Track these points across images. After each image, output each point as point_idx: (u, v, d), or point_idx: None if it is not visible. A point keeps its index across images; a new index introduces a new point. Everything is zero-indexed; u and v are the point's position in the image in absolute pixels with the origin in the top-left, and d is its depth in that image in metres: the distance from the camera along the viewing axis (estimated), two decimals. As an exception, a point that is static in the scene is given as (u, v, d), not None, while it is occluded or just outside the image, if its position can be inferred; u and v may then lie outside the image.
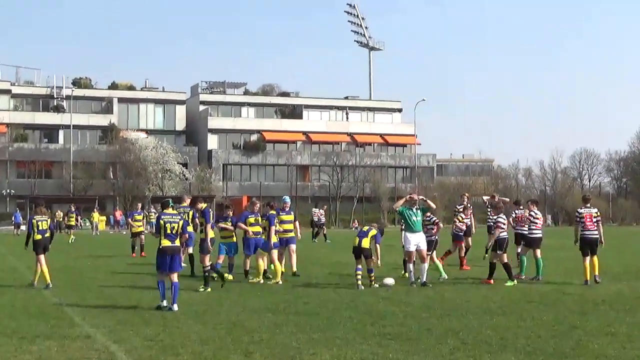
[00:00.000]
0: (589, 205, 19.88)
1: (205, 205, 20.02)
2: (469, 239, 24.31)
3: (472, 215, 24.95)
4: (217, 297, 16.47)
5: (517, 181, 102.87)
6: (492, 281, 18.94)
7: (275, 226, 20.19)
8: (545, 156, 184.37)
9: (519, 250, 21.27)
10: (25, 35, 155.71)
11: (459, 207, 24.65)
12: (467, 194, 25.98)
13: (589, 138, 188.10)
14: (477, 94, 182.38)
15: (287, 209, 21.55)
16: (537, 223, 20.58)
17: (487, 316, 13.52)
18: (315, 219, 45.29)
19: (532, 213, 20.64)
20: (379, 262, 18.70)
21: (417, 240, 18.66)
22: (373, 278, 18.30)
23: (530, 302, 15.50)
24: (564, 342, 10.93)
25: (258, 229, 20.43)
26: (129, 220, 26.84)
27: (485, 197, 26.81)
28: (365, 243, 18.39)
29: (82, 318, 13.41)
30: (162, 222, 14.83)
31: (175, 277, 14.76)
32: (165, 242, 14.74)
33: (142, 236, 29.76)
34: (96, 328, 12.31)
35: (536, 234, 20.49)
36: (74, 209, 55.08)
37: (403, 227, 20.29)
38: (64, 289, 18.18)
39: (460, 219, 23.91)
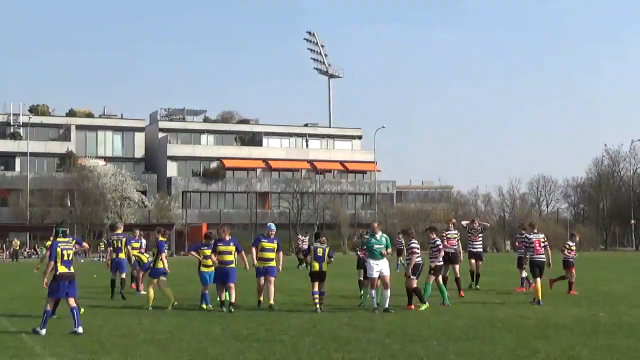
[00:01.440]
0: (536, 231, 21.56)
1: (165, 238, 20.91)
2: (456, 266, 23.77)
3: (458, 242, 24.20)
4: (179, 325, 16.33)
5: (476, 207, 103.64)
6: (412, 307, 19.14)
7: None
8: (503, 182, 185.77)
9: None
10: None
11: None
12: (477, 219, 27.35)
13: (546, 165, 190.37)
14: (436, 121, 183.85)
15: (271, 237, 20.29)
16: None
17: (450, 342, 13.55)
18: (304, 246, 45.29)
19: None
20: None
21: (380, 267, 18.71)
22: (323, 301, 19.05)
23: (493, 326, 15.57)
24: (527, 366, 10.99)
25: (230, 257, 19.47)
26: (128, 248, 25.17)
27: (464, 222, 26.99)
28: (325, 267, 19.12)
29: (42, 347, 13.21)
30: (58, 249, 15.19)
31: (73, 301, 15.05)
32: (62, 269, 15.10)
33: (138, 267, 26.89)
34: (57, 357, 12.14)
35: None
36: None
37: (364, 254, 20.41)
38: (23, 318, 17.90)
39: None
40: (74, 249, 15.78)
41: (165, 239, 21.26)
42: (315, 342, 13.55)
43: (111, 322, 16.84)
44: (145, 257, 25.85)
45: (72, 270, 15.29)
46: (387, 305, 18.49)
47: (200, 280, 20.14)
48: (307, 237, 46.57)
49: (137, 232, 26.89)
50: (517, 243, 26.42)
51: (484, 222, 27.08)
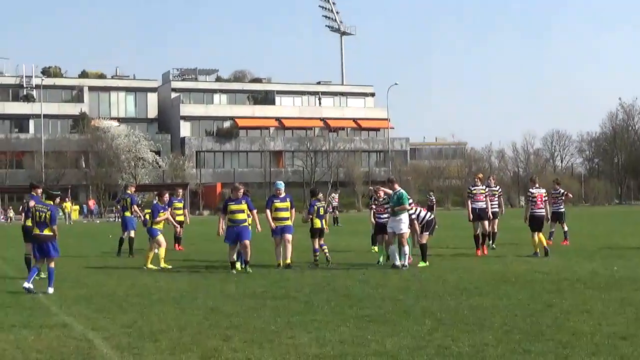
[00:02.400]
0: (537, 186, 21.79)
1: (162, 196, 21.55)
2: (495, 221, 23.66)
3: (486, 197, 22.56)
4: (194, 284, 16.43)
5: (490, 163, 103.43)
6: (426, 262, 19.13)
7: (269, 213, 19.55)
8: (517, 138, 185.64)
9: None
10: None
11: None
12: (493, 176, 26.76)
13: (560, 120, 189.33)
14: (450, 76, 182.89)
15: (281, 196, 19.84)
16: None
17: (463, 297, 13.58)
18: (335, 203, 46.25)
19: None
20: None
21: (394, 224, 18.58)
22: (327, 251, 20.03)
23: (506, 281, 15.59)
24: (541, 320, 11.01)
25: (242, 216, 19.05)
26: (134, 207, 24.57)
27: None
28: (325, 223, 20.30)
29: (58, 307, 13.31)
30: (32, 210, 15.67)
31: (52, 263, 15.41)
32: (36, 230, 15.43)
33: (180, 229, 26.22)
34: (73, 317, 12.23)
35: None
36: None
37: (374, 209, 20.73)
38: (38, 279, 18.03)
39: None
40: (48, 212, 15.53)
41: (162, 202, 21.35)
42: (329, 299, 13.61)
43: (127, 281, 16.97)
44: (182, 218, 26.49)
45: (45, 232, 15.39)
46: (405, 262, 18.45)
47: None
48: (338, 195, 47.78)
49: (180, 191, 27.21)
50: (551, 198, 26.22)
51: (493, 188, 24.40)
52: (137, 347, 9.78)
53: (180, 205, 27.10)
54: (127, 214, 24.47)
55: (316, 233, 19.89)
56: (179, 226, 25.53)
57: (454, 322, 11.00)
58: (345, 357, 8.95)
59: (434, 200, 42.73)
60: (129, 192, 25.38)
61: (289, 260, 19.40)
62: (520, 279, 15.89)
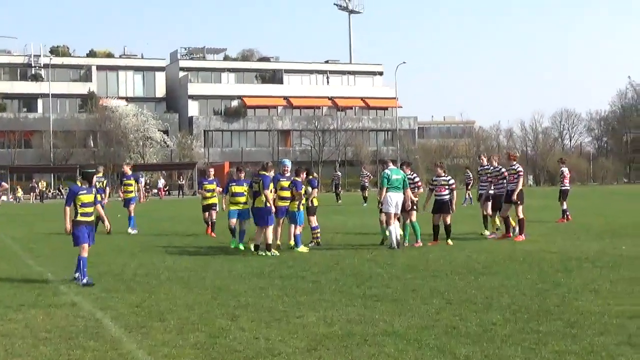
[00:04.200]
0: (491, 165, 21.67)
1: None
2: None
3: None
4: (202, 263, 16.47)
5: (498, 142, 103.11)
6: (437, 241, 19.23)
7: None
8: (526, 117, 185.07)
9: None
10: (0, 4, 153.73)
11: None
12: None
13: (569, 98, 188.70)
14: (458, 56, 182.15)
15: (287, 174, 19.02)
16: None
17: (471, 276, 13.58)
18: (366, 182, 47.03)
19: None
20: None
21: (396, 201, 18.48)
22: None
23: (514, 261, 15.58)
24: (549, 300, 11.00)
25: (243, 199, 19.56)
26: (200, 190, 23.21)
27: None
28: (317, 202, 20.21)
29: (67, 286, 13.36)
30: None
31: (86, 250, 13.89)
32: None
33: (214, 211, 23.68)
34: (81, 296, 12.28)
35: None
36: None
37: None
38: (48, 258, 18.12)
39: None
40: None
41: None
42: (337, 278, 13.62)
43: (135, 261, 17.02)
44: (217, 199, 23.54)
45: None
46: (402, 243, 18.56)
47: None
48: (367, 173, 48.52)
49: (211, 171, 24.65)
50: (561, 176, 27.90)
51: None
52: (145, 326, 9.81)
53: (212, 187, 23.79)
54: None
55: (314, 211, 19.92)
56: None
57: (461, 302, 11.00)
58: (353, 336, 8.96)
59: (471, 176, 42.88)
60: (99, 174, 23.96)
61: (278, 242, 18.74)
62: (528, 259, 15.88)
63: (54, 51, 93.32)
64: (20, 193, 69.75)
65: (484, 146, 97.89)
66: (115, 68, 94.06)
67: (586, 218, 26.97)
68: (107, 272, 15.13)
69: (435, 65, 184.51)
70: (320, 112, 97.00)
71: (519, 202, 20.10)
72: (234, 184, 19.78)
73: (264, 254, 17.66)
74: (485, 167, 21.97)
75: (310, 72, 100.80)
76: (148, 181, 75.08)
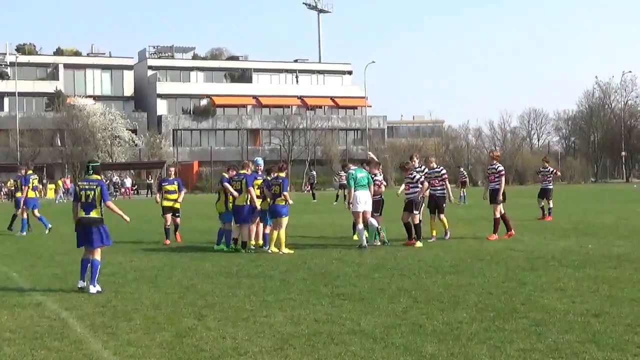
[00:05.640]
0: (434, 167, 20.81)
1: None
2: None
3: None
4: (169, 262, 16.39)
5: (467, 141, 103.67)
6: (414, 241, 18.88)
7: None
8: (494, 116, 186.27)
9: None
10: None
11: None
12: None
13: (538, 98, 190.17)
14: (427, 55, 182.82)
15: (260, 173, 19.08)
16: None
17: (438, 275, 13.63)
18: (343, 181, 47.27)
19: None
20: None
21: (364, 200, 18.63)
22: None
23: (481, 260, 15.65)
24: (515, 298, 11.06)
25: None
26: (158, 192, 21.51)
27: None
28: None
29: (32, 286, 13.24)
30: (77, 189, 12.97)
31: (95, 253, 12.73)
32: (81, 213, 12.81)
33: (177, 217, 21.75)
34: (47, 296, 12.16)
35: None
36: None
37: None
38: (12, 257, 17.94)
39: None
40: (97, 189, 12.76)
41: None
42: (305, 277, 13.62)
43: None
44: (179, 205, 21.65)
45: (92, 215, 12.79)
46: (371, 242, 18.63)
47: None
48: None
49: (172, 171, 22.20)
50: (539, 176, 28.86)
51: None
52: (111, 326, 9.74)
53: (173, 187, 21.66)
54: (18, 194, 26.39)
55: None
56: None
57: (428, 300, 11.04)
58: (320, 335, 8.96)
59: (466, 175, 44.53)
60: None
61: (261, 241, 19.00)
62: (495, 257, 15.97)
63: (20, 49, 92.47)
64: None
65: (453, 145, 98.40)
66: (83, 66, 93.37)
67: (553, 217, 27.20)
68: (73, 271, 14.98)
69: (404, 64, 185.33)
70: (289, 111, 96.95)
71: (498, 202, 20.07)
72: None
73: (244, 251, 18.11)
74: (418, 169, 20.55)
75: (280, 71, 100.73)
76: (117, 180, 74.59)
